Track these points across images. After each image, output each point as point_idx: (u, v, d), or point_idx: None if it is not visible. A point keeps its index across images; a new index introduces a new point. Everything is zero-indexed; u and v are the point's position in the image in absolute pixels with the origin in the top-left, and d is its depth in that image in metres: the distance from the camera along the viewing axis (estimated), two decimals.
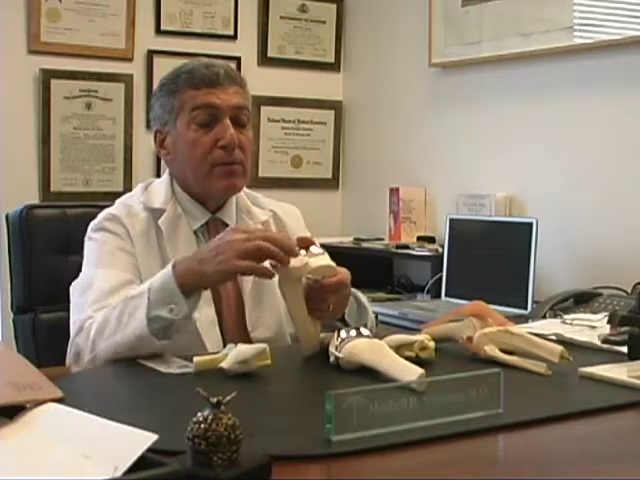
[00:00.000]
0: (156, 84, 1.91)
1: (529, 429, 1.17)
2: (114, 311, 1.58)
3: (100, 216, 1.81)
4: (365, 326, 1.61)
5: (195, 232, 1.82)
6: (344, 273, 1.61)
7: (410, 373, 1.28)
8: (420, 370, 1.27)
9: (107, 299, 1.64)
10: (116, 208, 1.82)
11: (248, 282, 1.79)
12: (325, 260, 1.56)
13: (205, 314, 1.73)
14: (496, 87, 3.17)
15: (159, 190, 1.85)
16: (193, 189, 1.82)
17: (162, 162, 3.35)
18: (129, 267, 1.73)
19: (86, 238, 1.80)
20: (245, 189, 1.90)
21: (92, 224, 1.81)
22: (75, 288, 1.73)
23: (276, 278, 1.54)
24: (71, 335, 1.65)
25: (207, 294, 1.75)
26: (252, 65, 3.69)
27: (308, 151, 3.87)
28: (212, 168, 1.77)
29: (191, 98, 1.77)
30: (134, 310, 1.54)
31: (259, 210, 1.90)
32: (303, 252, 1.54)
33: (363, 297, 1.78)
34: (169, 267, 1.55)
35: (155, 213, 1.80)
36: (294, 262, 1.50)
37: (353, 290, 1.75)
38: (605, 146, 2.80)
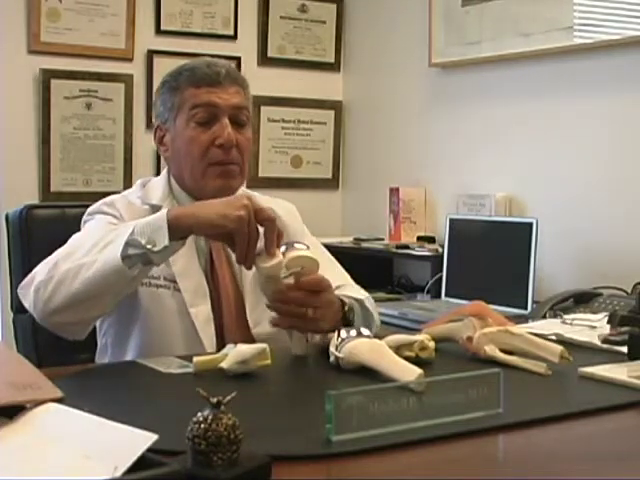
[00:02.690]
0: (156, 84, 1.91)
1: (529, 429, 1.17)
2: (93, 237, 1.54)
3: (99, 202, 1.82)
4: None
5: None
6: (324, 278, 1.58)
7: (409, 373, 1.28)
8: (418, 370, 1.27)
9: None
10: (115, 197, 1.83)
11: (248, 278, 1.78)
12: (303, 252, 1.53)
13: (201, 310, 1.73)
14: (496, 87, 3.17)
15: (157, 187, 1.85)
16: (189, 187, 1.82)
17: (162, 162, 3.37)
18: None
19: (82, 223, 1.80)
20: (243, 188, 1.89)
21: (89, 209, 1.81)
22: None
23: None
24: None
25: (204, 290, 1.75)
26: (252, 65, 3.69)
27: (308, 151, 3.87)
28: (208, 167, 1.77)
29: (191, 96, 1.78)
30: (116, 237, 1.50)
31: None
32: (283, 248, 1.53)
33: (369, 303, 1.77)
34: (164, 209, 1.55)
35: (152, 209, 1.79)
36: (267, 261, 1.50)
37: (358, 302, 1.73)
38: (605, 146, 2.80)
